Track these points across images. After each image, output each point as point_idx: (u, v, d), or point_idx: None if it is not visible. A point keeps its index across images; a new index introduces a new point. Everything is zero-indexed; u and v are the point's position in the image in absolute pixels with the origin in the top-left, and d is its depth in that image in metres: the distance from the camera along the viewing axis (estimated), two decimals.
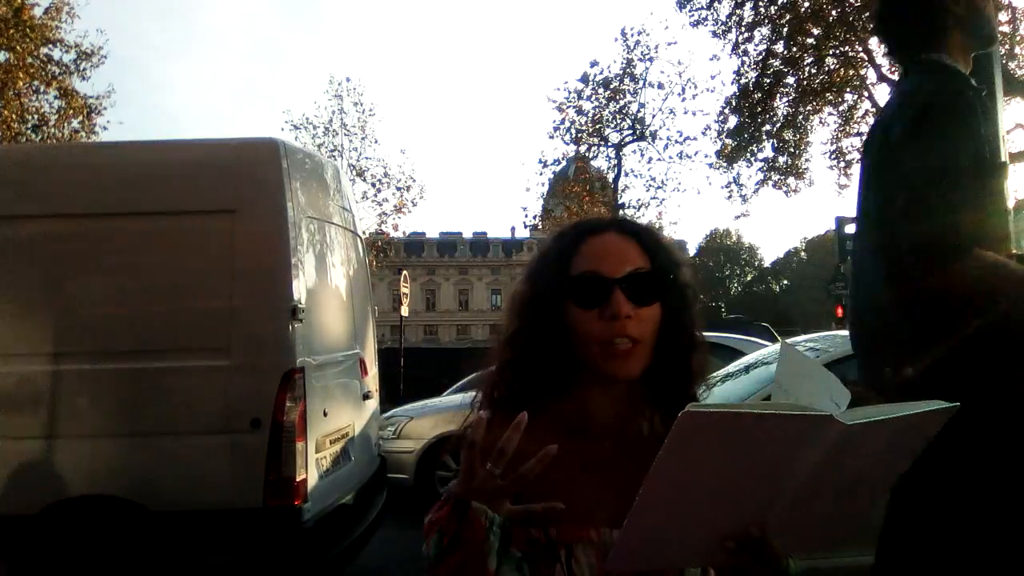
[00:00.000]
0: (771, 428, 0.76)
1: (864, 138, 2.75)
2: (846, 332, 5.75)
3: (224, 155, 4.06)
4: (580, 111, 20.03)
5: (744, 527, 0.86)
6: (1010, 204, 2.51)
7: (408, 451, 7.31)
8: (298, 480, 3.54)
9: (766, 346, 7.21)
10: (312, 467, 3.72)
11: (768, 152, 18.18)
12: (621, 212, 19.47)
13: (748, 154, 18.21)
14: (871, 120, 17.32)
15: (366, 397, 4.77)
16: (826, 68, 16.34)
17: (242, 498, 3.51)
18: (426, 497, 7.17)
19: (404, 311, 17.70)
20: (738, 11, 16.45)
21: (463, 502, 0.89)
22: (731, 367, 5.61)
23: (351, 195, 5.26)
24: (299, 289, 3.71)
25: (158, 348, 3.67)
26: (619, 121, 20.14)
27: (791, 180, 18.24)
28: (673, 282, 1.06)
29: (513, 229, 69.72)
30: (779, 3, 15.87)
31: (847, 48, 15.78)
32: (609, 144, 20.37)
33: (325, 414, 3.96)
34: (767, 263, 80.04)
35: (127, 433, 3.62)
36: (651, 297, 1.03)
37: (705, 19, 16.86)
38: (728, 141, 18.24)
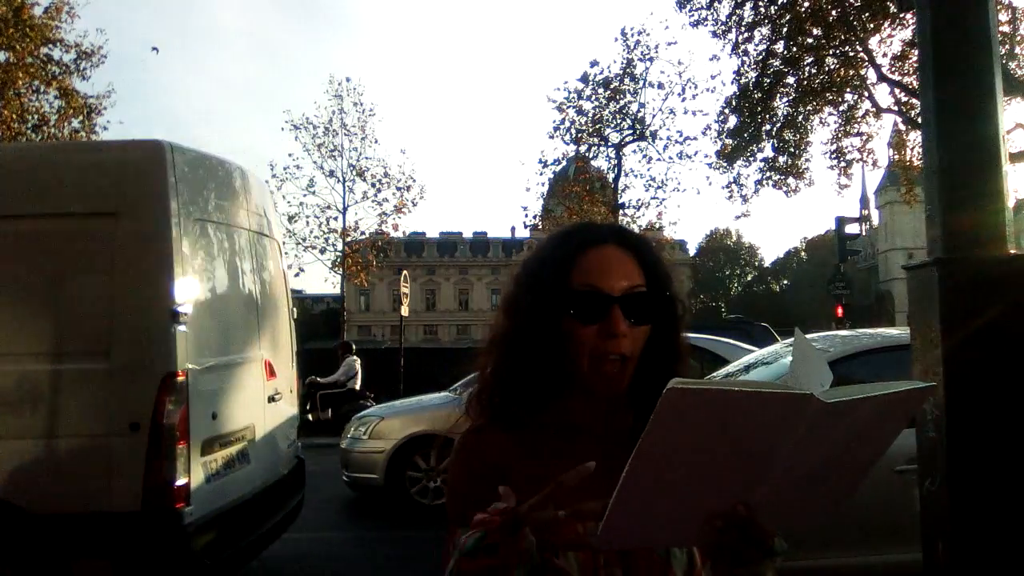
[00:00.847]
0: (754, 405, 0.78)
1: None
2: (846, 332, 5.68)
3: (108, 157, 4.05)
4: (580, 111, 20.03)
5: (731, 506, 0.87)
6: (1010, 204, 2.51)
7: (379, 451, 7.35)
8: (178, 484, 3.53)
9: (750, 350, 7.18)
10: (197, 470, 3.71)
11: (768, 152, 18.20)
12: (621, 212, 19.47)
13: (748, 154, 18.22)
14: (871, 120, 17.40)
15: (272, 399, 4.77)
16: (826, 68, 16.33)
17: (121, 501, 3.50)
18: (396, 497, 7.18)
19: (404, 311, 17.70)
20: (738, 11, 16.45)
21: (518, 521, 0.87)
22: (731, 367, 5.62)
23: (268, 200, 5.25)
24: (183, 292, 3.70)
25: (37, 351, 3.68)
26: (619, 121, 20.15)
27: (791, 180, 18.24)
28: (667, 300, 1.08)
29: (513, 229, 69.76)
30: (779, 3, 15.87)
31: (847, 48, 15.78)
32: (609, 144, 20.37)
33: (214, 417, 3.95)
34: (767, 263, 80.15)
35: (5, 435, 3.61)
36: (647, 317, 1.05)
37: (705, 19, 16.86)
38: (728, 141, 18.24)
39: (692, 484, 0.84)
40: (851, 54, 15.85)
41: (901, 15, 13.60)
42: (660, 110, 20.24)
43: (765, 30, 16.38)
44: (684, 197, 50.00)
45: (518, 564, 0.87)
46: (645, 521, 0.86)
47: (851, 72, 16.30)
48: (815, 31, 15.64)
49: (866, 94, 16.72)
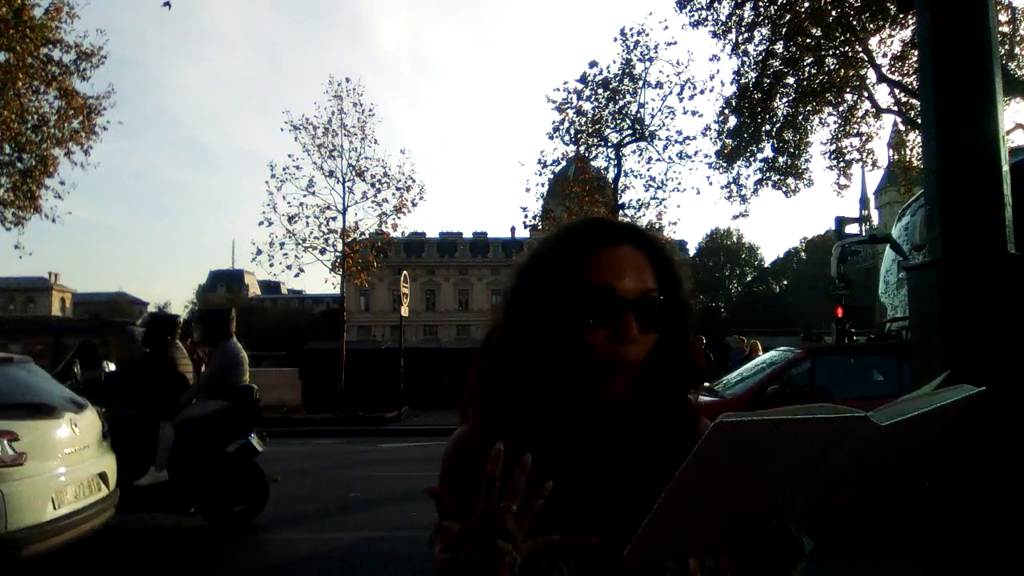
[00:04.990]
0: (806, 433, 0.76)
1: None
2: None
3: None
4: (580, 111, 20.03)
5: (765, 519, 0.86)
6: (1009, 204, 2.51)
7: None
8: None
9: None
10: None
11: (768, 152, 18.22)
12: (621, 212, 19.46)
13: (748, 154, 18.23)
14: (871, 120, 17.40)
15: None
16: (826, 68, 16.35)
17: None
18: None
19: (404, 311, 17.71)
20: (738, 11, 16.46)
21: (488, 540, 0.85)
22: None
23: None
24: None
25: None
26: (619, 121, 20.15)
27: (791, 180, 18.27)
28: (679, 307, 1.04)
29: (513, 229, 69.73)
30: (779, 3, 15.87)
31: (847, 48, 15.79)
32: (609, 144, 20.37)
33: None
34: (767, 263, 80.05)
35: None
36: (657, 325, 1.00)
37: (705, 19, 16.88)
38: (728, 141, 18.26)
39: (729, 501, 0.83)
40: (851, 54, 15.86)
41: (901, 15, 13.60)
42: (659, 110, 20.28)
43: (765, 30, 16.40)
44: (684, 197, 49.95)
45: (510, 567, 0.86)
46: (676, 536, 0.85)
47: (851, 72, 16.32)
48: (815, 31, 15.65)
49: (866, 94, 16.76)
